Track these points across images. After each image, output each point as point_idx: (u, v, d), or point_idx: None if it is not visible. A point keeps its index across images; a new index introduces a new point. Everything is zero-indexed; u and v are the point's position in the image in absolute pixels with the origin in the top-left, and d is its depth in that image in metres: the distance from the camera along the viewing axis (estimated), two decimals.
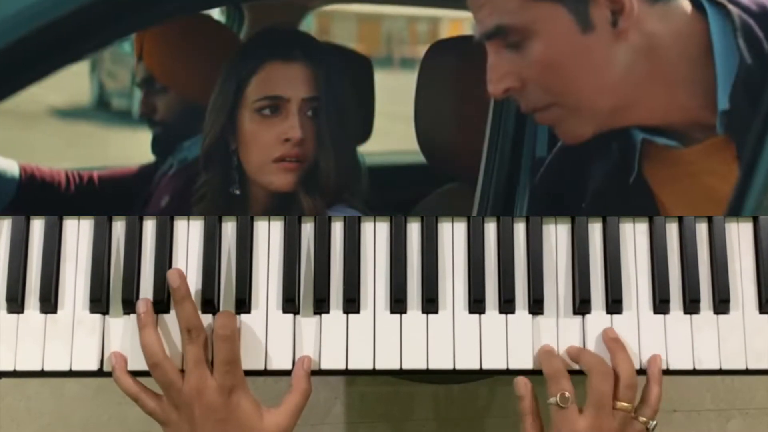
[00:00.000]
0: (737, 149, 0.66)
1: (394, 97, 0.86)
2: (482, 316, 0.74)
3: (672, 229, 0.76)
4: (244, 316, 0.74)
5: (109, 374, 0.73)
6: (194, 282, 0.74)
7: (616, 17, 0.66)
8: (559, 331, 0.74)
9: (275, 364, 0.73)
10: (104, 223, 0.75)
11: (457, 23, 0.92)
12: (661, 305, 0.74)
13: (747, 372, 0.75)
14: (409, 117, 0.83)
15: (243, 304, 0.74)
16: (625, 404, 0.70)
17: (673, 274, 0.75)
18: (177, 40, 0.86)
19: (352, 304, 0.74)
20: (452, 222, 0.76)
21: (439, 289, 0.74)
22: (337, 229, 0.75)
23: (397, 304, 0.74)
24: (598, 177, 0.72)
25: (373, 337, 0.74)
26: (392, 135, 0.87)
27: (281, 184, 0.79)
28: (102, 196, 0.86)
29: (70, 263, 0.74)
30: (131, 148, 0.91)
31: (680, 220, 0.76)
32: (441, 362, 0.73)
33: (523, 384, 0.72)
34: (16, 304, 0.73)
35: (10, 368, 0.73)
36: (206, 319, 0.73)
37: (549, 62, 0.66)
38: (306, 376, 0.72)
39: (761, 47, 0.65)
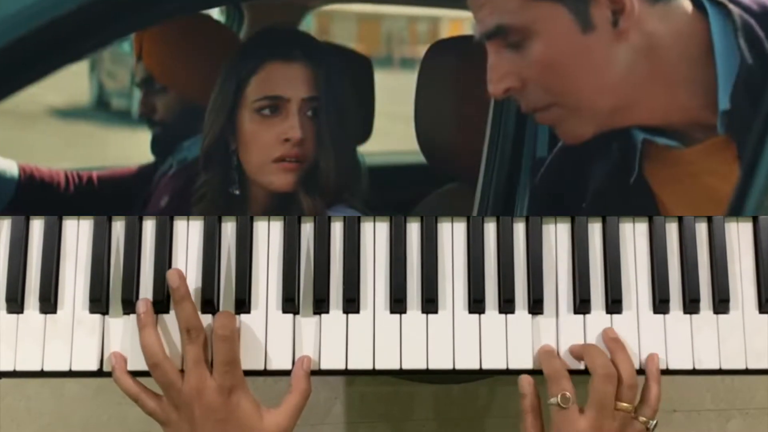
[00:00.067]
0: (738, 149, 0.66)
1: (394, 97, 0.86)
2: (482, 316, 0.74)
3: (672, 229, 0.76)
4: (243, 316, 0.74)
5: (109, 374, 0.73)
6: (194, 282, 0.74)
7: (616, 17, 0.65)
8: (559, 331, 0.74)
9: (275, 364, 0.73)
10: (104, 223, 0.75)
11: (457, 23, 0.92)
12: (660, 305, 0.74)
13: (747, 372, 0.75)
14: (409, 117, 0.83)
15: (243, 304, 0.74)
16: (626, 404, 0.70)
17: (672, 274, 0.75)
18: (176, 40, 0.86)
19: (351, 304, 0.74)
20: (452, 222, 0.76)
21: (439, 289, 0.74)
22: (337, 229, 0.75)
23: (397, 304, 0.74)
24: (598, 177, 0.72)
25: (372, 337, 0.74)
26: (392, 135, 0.87)
27: (281, 184, 0.78)
28: (101, 197, 0.86)
29: (69, 263, 0.74)
30: (131, 148, 0.91)
31: (680, 220, 0.76)
32: (441, 362, 0.73)
33: (526, 382, 0.72)
34: (15, 304, 0.73)
35: (10, 368, 0.73)
36: (206, 319, 0.73)
37: (549, 62, 0.66)
38: (306, 376, 0.72)
39: (762, 47, 0.65)
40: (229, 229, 0.75)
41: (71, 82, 0.93)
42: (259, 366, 0.73)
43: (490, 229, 0.76)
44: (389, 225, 0.75)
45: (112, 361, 0.72)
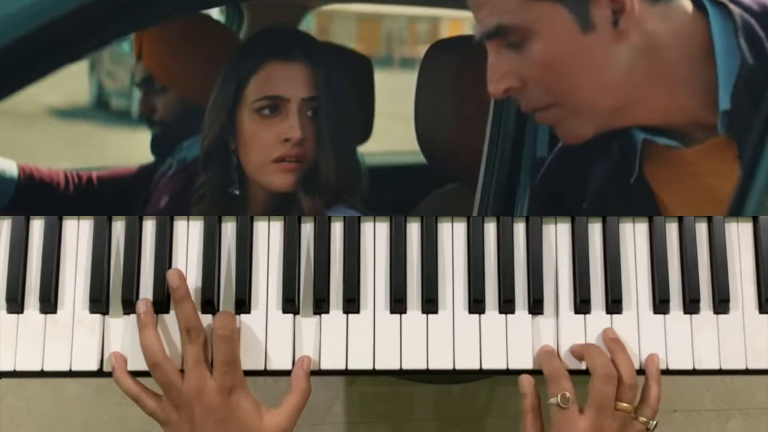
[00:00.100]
0: (738, 149, 0.66)
1: (394, 97, 0.86)
2: (482, 316, 0.74)
3: (672, 229, 0.76)
4: (243, 316, 0.74)
5: (109, 374, 0.73)
6: (194, 282, 0.74)
7: (616, 17, 0.66)
8: (559, 331, 0.74)
9: (275, 365, 0.73)
10: (104, 223, 0.75)
11: (458, 23, 0.92)
12: (660, 305, 0.74)
13: (747, 372, 0.75)
14: (409, 117, 0.82)
15: (243, 304, 0.74)
16: (626, 405, 0.70)
17: (672, 274, 0.75)
18: (176, 40, 0.86)
19: (352, 304, 0.74)
20: (452, 222, 0.76)
21: (439, 289, 0.74)
22: (337, 229, 0.75)
23: (397, 304, 0.74)
24: (598, 177, 0.72)
25: (373, 337, 0.74)
26: (392, 135, 0.87)
27: (281, 184, 0.78)
28: (101, 197, 0.85)
29: (69, 263, 0.74)
30: (130, 149, 0.91)
31: (680, 220, 0.75)
32: (441, 362, 0.73)
33: (527, 382, 0.72)
34: (16, 304, 0.73)
35: (10, 368, 0.73)
36: (206, 319, 0.73)
37: (549, 62, 0.66)
38: (306, 376, 0.72)
39: (762, 47, 0.65)
40: (229, 229, 0.75)
41: (71, 82, 0.93)
42: (259, 366, 0.73)
43: (490, 229, 0.76)
44: (389, 225, 0.75)
45: (112, 361, 0.72)
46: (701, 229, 0.76)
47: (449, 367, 0.73)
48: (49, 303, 0.73)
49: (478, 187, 0.77)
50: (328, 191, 0.78)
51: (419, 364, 0.73)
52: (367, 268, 0.75)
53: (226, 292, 0.74)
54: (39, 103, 0.89)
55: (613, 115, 0.68)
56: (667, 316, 0.75)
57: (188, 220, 0.76)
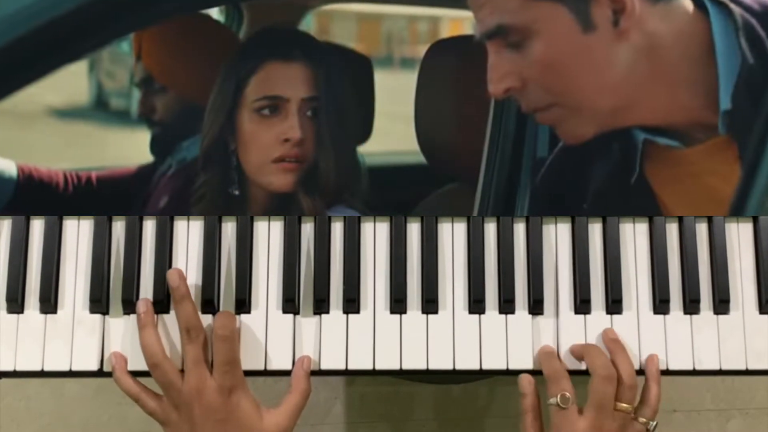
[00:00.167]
0: (739, 149, 0.66)
1: (394, 97, 0.86)
2: (482, 316, 0.74)
3: (672, 229, 0.76)
4: (244, 316, 0.74)
5: (109, 374, 0.73)
6: (194, 282, 0.74)
7: (617, 17, 0.65)
8: (559, 332, 0.74)
9: (275, 365, 0.73)
10: (104, 223, 0.74)
11: (458, 23, 0.92)
12: (661, 305, 0.74)
13: (747, 372, 0.75)
14: (409, 117, 0.82)
15: (243, 304, 0.74)
16: (626, 405, 0.70)
17: (673, 275, 0.75)
18: (176, 40, 0.86)
19: (352, 304, 0.74)
20: (452, 222, 0.76)
21: (439, 290, 0.74)
22: (337, 229, 0.75)
23: (397, 305, 0.74)
24: (599, 177, 0.72)
25: (373, 338, 0.74)
26: (392, 135, 0.87)
27: (281, 184, 0.78)
28: (100, 197, 0.85)
29: (70, 263, 0.74)
30: (130, 149, 0.91)
31: (680, 220, 0.75)
32: (441, 362, 0.73)
33: (527, 381, 0.72)
34: (16, 304, 0.73)
35: (10, 368, 0.73)
36: (206, 319, 0.73)
37: (550, 62, 0.66)
38: (306, 376, 0.72)
39: (763, 47, 0.65)
40: (229, 229, 0.75)
41: (70, 82, 0.93)
42: (259, 366, 0.73)
43: (491, 229, 0.76)
44: (389, 225, 0.75)
45: (112, 361, 0.72)
46: (701, 229, 0.76)
47: (449, 367, 0.73)
48: (49, 303, 0.73)
49: (479, 187, 0.77)
50: (328, 191, 0.78)
51: (419, 364, 0.73)
52: (367, 268, 0.75)
53: (226, 292, 0.74)
54: (38, 103, 0.90)
55: (613, 115, 0.68)
56: (667, 316, 0.75)
57: (188, 220, 0.76)
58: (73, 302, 0.74)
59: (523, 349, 0.74)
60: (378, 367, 0.73)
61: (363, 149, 0.84)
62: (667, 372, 0.74)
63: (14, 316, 0.74)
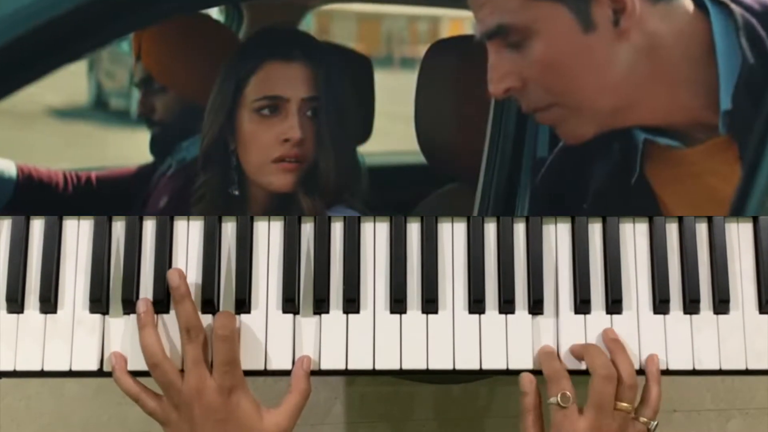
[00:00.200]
0: (740, 150, 0.66)
1: (394, 97, 0.86)
2: (482, 316, 0.74)
3: (672, 229, 0.76)
4: (243, 316, 0.74)
5: (109, 374, 0.73)
6: (194, 282, 0.74)
7: (617, 17, 0.65)
8: (559, 332, 0.74)
9: (275, 364, 0.73)
10: (104, 223, 0.74)
11: (458, 22, 0.92)
12: (660, 305, 0.74)
13: (747, 372, 0.75)
14: (409, 117, 0.82)
15: (243, 304, 0.74)
16: (626, 405, 0.70)
17: (673, 274, 0.75)
18: (175, 40, 0.85)
19: (352, 304, 0.74)
20: (452, 222, 0.76)
21: (439, 290, 0.74)
22: (337, 229, 0.75)
23: (397, 304, 0.74)
24: (599, 177, 0.72)
25: (373, 337, 0.73)
26: (392, 135, 0.87)
27: (281, 184, 0.78)
28: (100, 197, 0.85)
29: (70, 263, 0.74)
30: (129, 149, 0.91)
31: (680, 220, 0.75)
32: (441, 362, 0.73)
33: (528, 380, 0.72)
34: (16, 304, 0.73)
35: (10, 368, 0.73)
36: (206, 319, 0.73)
37: (550, 62, 0.66)
38: (305, 376, 0.72)
39: (764, 47, 0.65)
40: (229, 229, 0.75)
41: (70, 82, 0.93)
42: (259, 366, 0.73)
43: (491, 229, 0.76)
44: (389, 225, 0.75)
45: (112, 361, 0.72)
46: (701, 229, 0.76)
47: (449, 367, 0.73)
48: (49, 303, 0.73)
49: (479, 187, 0.77)
50: (328, 191, 0.78)
51: (419, 364, 0.73)
52: (367, 268, 0.75)
53: (226, 292, 0.74)
54: (38, 103, 0.89)
55: (613, 115, 0.68)
56: (667, 316, 0.75)
57: (188, 220, 0.76)
58: (73, 302, 0.74)
59: (523, 349, 0.74)
60: (378, 367, 0.73)
61: (363, 149, 0.84)
62: (667, 372, 0.74)
63: (14, 316, 0.74)
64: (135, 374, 0.72)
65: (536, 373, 0.73)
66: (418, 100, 0.82)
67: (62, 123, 0.93)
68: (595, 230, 0.76)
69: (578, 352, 0.73)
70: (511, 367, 0.73)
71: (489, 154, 0.77)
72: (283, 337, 0.73)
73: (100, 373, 0.73)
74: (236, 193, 0.80)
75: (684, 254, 0.75)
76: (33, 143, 0.89)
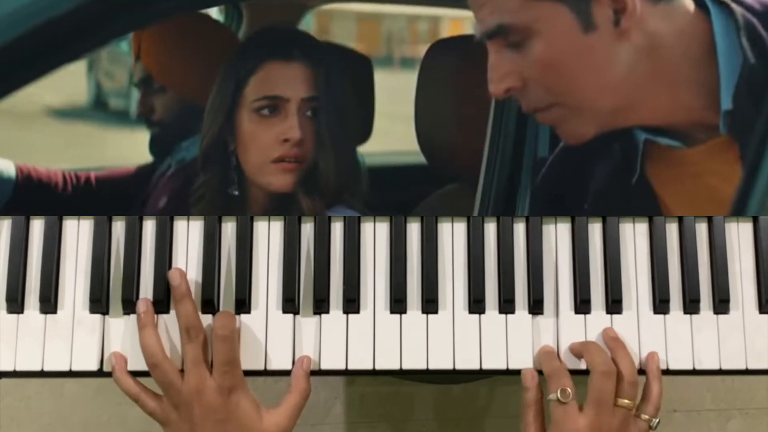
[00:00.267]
0: (740, 150, 0.66)
1: (394, 97, 0.86)
2: (482, 316, 0.74)
3: (672, 229, 0.76)
4: (243, 316, 0.74)
5: (109, 374, 0.73)
6: (194, 282, 0.74)
7: (618, 16, 0.65)
8: (559, 332, 0.74)
9: (275, 364, 0.73)
10: (104, 223, 0.74)
11: (458, 22, 0.92)
12: (661, 305, 0.74)
13: (747, 372, 0.75)
14: (409, 117, 0.82)
15: (243, 304, 0.74)
16: (627, 401, 0.70)
17: (673, 274, 0.75)
18: (175, 40, 0.85)
19: (352, 304, 0.74)
20: (452, 222, 0.76)
21: (439, 290, 0.74)
22: (337, 229, 0.75)
23: (397, 304, 0.74)
24: (600, 177, 0.72)
25: (373, 337, 0.73)
26: (392, 135, 0.87)
27: (280, 184, 0.78)
28: (99, 197, 0.85)
29: (69, 263, 0.74)
30: (129, 149, 0.90)
31: (680, 220, 0.75)
32: (441, 362, 0.73)
33: (530, 375, 0.72)
34: (16, 304, 0.73)
35: (10, 368, 0.73)
36: (206, 319, 0.73)
37: (550, 62, 0.66)
38: (305, 376, 0.72)
39: (764, 46, 0.65)
40: (229, 229, 0.75)
41: (69, 82, 0.93)
42: (259, 366, 0.73)
43: (491, 229, 0.76)
44: (389, 225, 0.75)
45: (112, 361, 0.72)
46: (701, 229, 0.76)
47: (449, 367, 0.73)
48: (49, 303, 0.73)
49: (479, 188, 0.77)
50: (328, 191, 0.78)
51: (419, 364, 0.73)
52: (367, 268, 0.75)
53: (226, 292, 0.74)
54: (37, 103, 0.89)
55: (614, 115, 0.68)
56: (667, 316, 0.75)
57: (188, 220, 0.76)
58: (73, 302, 0.74)
59: (523, 349, 0.74)
60: (378, 367, 0.73)
61: (363, 149, 0.84)
62: (667, 372, 0.74)
63: (14, 316, 0.74)
64: (135, 374, 0.72)
65: (536, 373, 0.73)
66: (418, 100, 0.82)
67: (61, 123, 0.92)
68: (595, 230, 0.76)
69: (577, 350, 0.73)
70: (511, 367, 0.73)
71: (489, 154, 0.77)
72: (283, 337, 0.73)
73: (100, 373, 0.73)
74: (236, 193, 0.80)
75: (684, 254, 0.75)
76: (32, 143, 0.89)
